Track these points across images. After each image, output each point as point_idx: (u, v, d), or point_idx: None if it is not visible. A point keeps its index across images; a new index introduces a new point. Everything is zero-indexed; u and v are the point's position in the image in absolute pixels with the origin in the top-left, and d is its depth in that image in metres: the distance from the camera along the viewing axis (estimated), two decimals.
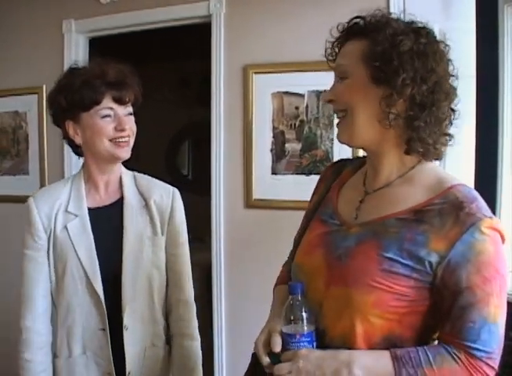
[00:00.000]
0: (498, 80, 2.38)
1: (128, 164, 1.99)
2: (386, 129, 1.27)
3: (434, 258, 1.19)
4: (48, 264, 1.85)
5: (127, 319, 1.82)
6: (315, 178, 2.78)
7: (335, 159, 2.77)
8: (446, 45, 1.31)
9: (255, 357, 1.36)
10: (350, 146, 1.39)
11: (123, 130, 1.79)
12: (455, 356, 1.17)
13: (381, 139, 1.30)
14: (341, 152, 2.75)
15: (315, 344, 1.25)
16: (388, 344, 1.22)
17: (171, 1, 3.14)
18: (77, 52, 3.44)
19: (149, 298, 1.89)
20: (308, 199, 2.73)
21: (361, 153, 2.65)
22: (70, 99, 1.79)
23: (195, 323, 1.98)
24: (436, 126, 1.27)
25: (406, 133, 1.27)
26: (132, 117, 1.86)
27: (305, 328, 1.24)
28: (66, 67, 3.29)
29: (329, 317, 1.29)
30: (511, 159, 2.44)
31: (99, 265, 1.82)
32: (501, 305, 1.19)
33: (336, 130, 2.75)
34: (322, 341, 1.28)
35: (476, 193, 1.25)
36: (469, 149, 2.38)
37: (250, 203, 2.99)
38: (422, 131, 1.25)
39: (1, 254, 3.63)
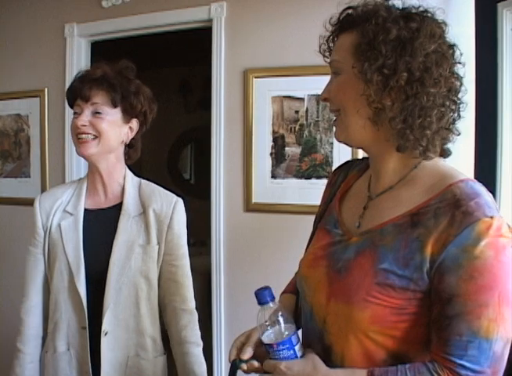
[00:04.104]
0: (497, 85, 2.38)
1: (130, 169, 2.00)
2: (378, 128, 1.18)
3: (428, 264, 1.08)
4: (44, 260, 1.90)
5: (106, 325, 1.82)
6: (315, 182, 2.84)
7: (335, 163, 2.78)
8: (445, 25, 1.19)
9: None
10: (348, 146, 1.31)
11: (77, 126, 1.82)
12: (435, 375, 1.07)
13: (376, 138, 1.21)
14: (341, 156, 2.76)
15: (296, 347, 1.19)
16: (396, 361, 1.13)
17: (173, 6, 3.15)
18: (78, 56, 3.46)
19: (135, 307, 1.87)
20: (308, 203, 2.77)
21: (360, 154, 2.67)
22: (66, 96, 1.94)
23: (198, 331, 1.96)
24: (423, 118, 1.14)
25: (394, 129, 1.16)
26: (101, 117, 1.83)
27: (284, 334, 1.18)
28: (68, 71, 3.35)
29: (333, 333, 1.21)
30: (510, 164, 2.44)
31: (86, 265, 1.83)
32: (499, 320, 1.04)
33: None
34: (329, 357, 1.21)
35: (480, 189, 1.12)
36: (467, 157, 2.39)
37: (250, 206, 2.99)
38: (405, 125, 1.14)
39: (4, 255, 3.66)
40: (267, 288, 1.23)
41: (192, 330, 1.94)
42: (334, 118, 1.27)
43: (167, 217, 1.89)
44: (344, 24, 1.23)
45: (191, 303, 1.96)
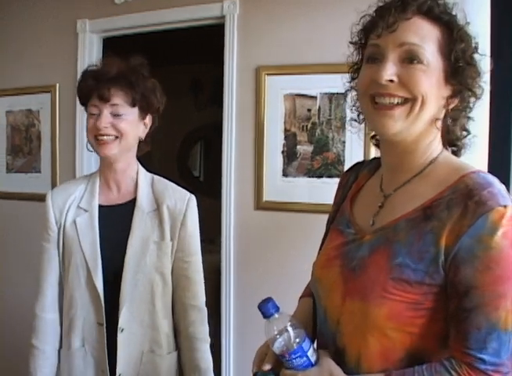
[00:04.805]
0: None
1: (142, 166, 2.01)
2: (433, 126, 1.20)
3: (443, 256, 1.07)
4: (58, 256, 1.90)
5: (122, 321, 1.82)
6: (327, 180, 2.83)
7: (347, 162, 2.77)
8: None
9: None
10: (388, 139, 1.22)
11: (98, 128, 1.81)
12: (453, 373, 1.05)
13: (424, 135, 1.20)
14: (353, 155, 2.74)
15: (309, 353, 1.18)
16: (413, 360, 1.12)
17: (185, 2, 3.13)
18: (90, 52, 3.45)
19: (150, 303, 1.88)
20: (319, 202, 2.76)
21: (372, 152, 2.66)
22: (77, 93, 1.90)
23: (207, 327, 1.97)
24: (467, 118, 1.26)
25: (453, 131, 1.23)
26: (122, 118, 1.84)
27: (295, 343, 1.16)
28: (79, 67, 3.36)
29: (346, 334, 1.20)
30: None
31: (102, 261, 1.84)
32: None
33: (348, 131, 2.73)
34: (343, 359, 1.19)
35: (492, 179, 1.12)
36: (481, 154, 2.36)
37: (261, 205, 2.97)
38: (457, 123, 1.23)
39: (14, 250, 3.68)
40: (269, 300, 1.21)
41: (199, 326, 1.94)
42: (386, 106, 1.17)
43: (180, 213, 1.91)
44: (423, 8, 1.17)
45: (200, 299, 1.97)
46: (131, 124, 1.86)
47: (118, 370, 1.83)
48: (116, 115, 1.83)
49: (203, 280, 1.98)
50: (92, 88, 1.82)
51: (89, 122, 1.84)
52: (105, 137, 1.82)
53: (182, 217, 1.91)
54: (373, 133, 1.37)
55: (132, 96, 1.85)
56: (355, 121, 1.37)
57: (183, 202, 1.93)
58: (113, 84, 1.82)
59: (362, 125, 1.38)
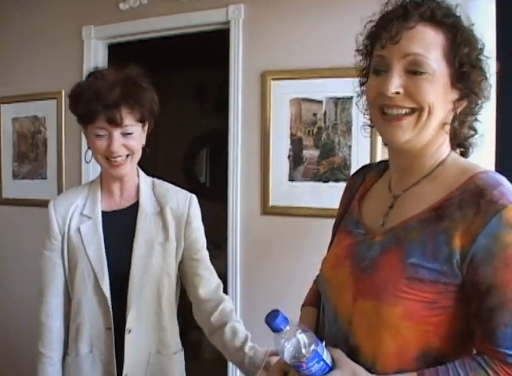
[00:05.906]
0: None
1: (145, 172, 2.02)
2: (442, 130, 1.21)
3: (458, 256, 1.08)
4: (63, 264, 1.90)
5: (130, 323, 1.83)
6: (333, 185, 2.83)
7: (353, 166, 2.76)
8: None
9: None
10: (398, 148, 1.23)
11: (112, 152, 1.79)
12: (489, 370, 1.05)
13: (434, 140, 1.21)
14: (359, 159, 2.74)
15: (324, 356, 1.14)
16: (427, 359, 1.12)
17: (190, 8, 3.15)
18: (96, 58, 3.47)
19: (157, 304, 1.89)
20: (326, 206, 2.75)
21: (379, 156, 2.65)
22: (74, 112, 1.85)
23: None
24: (475, 119, 1.26)
25: (461, 133, 1.23)
26: (132, 136, 1.82)
27: (310, 349, 1.12)
28: (85, 73, 3.36)
29: (359, 334, 1.19)
30: None
31: (108, 266, 1.85)
32: None
33: (355, 135, 2.71)
34: (357, 359, 1.18)
35: (501, 178, 1.13)
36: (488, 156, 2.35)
37: (267, 209, 2.97)
38: (465, 126, 1.23)
39: (19, 255, 3.69)
40: (278, 314, 1.14)
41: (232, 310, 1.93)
42: (394, 117, 1.18)
43: (184, 213, 1.94)
44: (425, 14, 1.17)
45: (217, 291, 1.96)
46: (138, 139, 1.86)
47: (125, 371, 1.83)
48: (126, 134, 1.81)
49: (214, 273, 1.98)
50: (99, 112, 1.76)
51: (96, 143, 1.80)
52: (118, 158, 1.82)
53: (186, 216, 1.93)
54: None
55: (140, 114, 1.83)
56: (370, 126, 1.37)
57: (185, 202, 1.96)
58: (121, 106, 1.77)
59: (368, 129, 1.39)
